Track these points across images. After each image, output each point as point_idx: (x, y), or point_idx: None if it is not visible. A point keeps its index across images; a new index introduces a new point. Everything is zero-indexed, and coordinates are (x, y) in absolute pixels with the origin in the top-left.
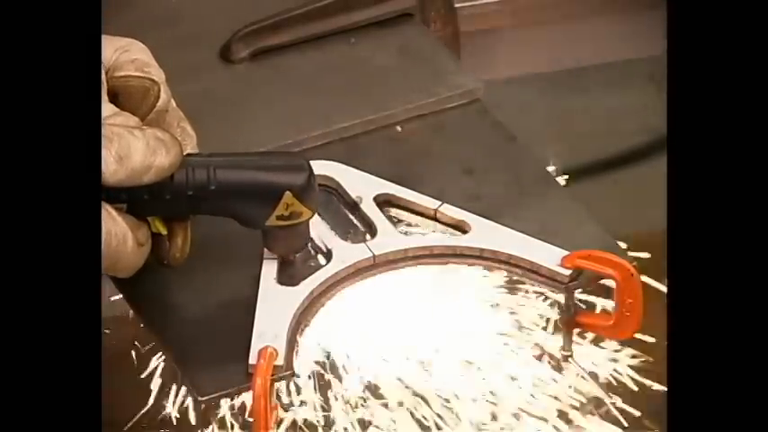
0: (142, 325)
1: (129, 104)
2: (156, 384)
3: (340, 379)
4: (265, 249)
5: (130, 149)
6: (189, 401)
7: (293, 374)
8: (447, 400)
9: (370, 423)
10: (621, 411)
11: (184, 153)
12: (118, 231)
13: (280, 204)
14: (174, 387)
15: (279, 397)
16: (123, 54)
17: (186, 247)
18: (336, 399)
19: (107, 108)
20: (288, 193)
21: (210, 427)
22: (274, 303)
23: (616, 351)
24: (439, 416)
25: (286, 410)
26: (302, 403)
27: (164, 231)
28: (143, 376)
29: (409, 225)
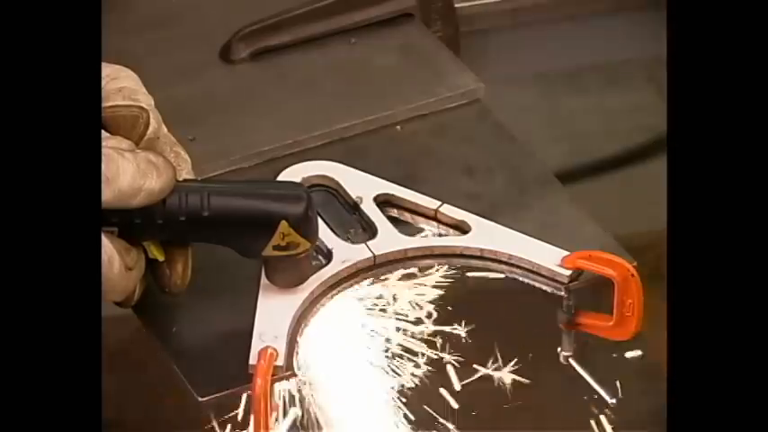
0: (142, 325)
1: (117, 135)
2: (155, 384)
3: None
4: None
5: (119, 171)
6: (189, 402)
7: (293, 375)
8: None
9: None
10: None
11: (180, 178)
12: (103, 255)
13: (275, 234)
14: (173, 387)
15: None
16: (111, 83)
17: (187, 274)
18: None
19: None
20: (284, 222)
21: (210, 427)
22: (274, 304)
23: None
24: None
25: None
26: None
27: (160, 258)
28: (143, 376)
29: (409, 225)
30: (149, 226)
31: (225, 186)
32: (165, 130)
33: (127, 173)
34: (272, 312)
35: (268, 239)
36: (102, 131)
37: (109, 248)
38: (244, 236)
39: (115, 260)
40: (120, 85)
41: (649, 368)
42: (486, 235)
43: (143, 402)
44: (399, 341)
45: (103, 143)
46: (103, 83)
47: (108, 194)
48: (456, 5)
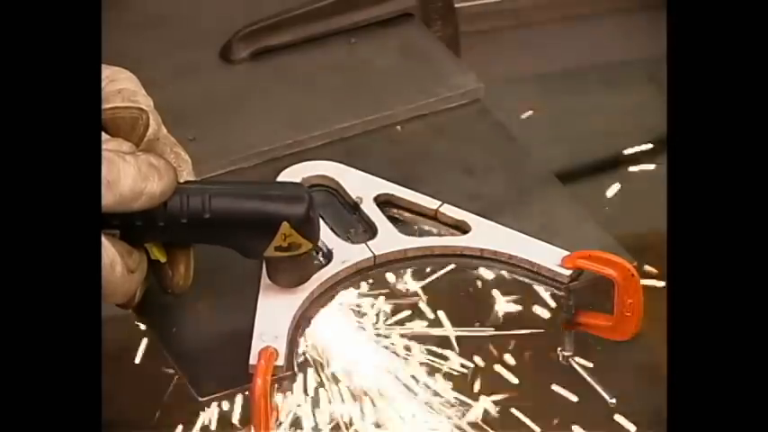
0: (143, 325)
1: (117, 137)
2: (155, 384)
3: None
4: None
5: (120, 174)
6: (189, 402)
7: (294, 375)
8: None
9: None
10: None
11: (180, 180)
12: (105, 258)
13: (277, 235)
14: (173, 387)
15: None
16: (110, 84)
17: (189, 274)
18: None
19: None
20: (285, 223)
21: (210, 427)
22: (275, 303)
23: None
24: None
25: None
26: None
27: (162, 259)
28: (143, 376)
29: (409, 225)
30: (151, 228)
31: (226, 188)
32: (165, 131)
33: (128, 176)
34: (273, 312)
35: (269, 240)
36: (102, 134)
37: (110, 251)
38: (245, 237)
39: (117, 263)
40: (119, 86)
41: (649, 368)
42: (486, 235)
43: (143, 402)
44: (399, 340)
45: (104, 146)
46: (102, 85)
47: (109, 198)
48: (456, 5)
